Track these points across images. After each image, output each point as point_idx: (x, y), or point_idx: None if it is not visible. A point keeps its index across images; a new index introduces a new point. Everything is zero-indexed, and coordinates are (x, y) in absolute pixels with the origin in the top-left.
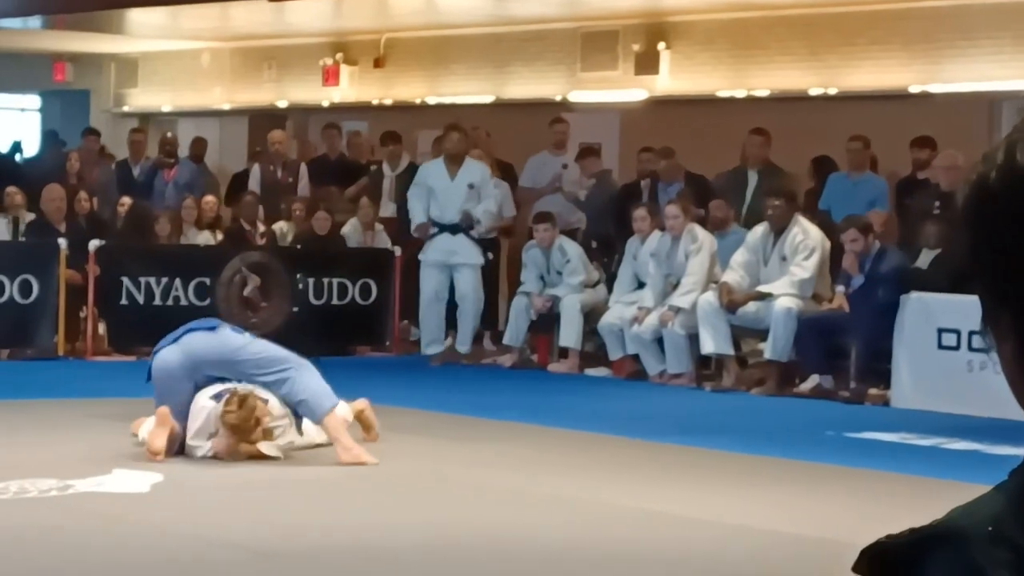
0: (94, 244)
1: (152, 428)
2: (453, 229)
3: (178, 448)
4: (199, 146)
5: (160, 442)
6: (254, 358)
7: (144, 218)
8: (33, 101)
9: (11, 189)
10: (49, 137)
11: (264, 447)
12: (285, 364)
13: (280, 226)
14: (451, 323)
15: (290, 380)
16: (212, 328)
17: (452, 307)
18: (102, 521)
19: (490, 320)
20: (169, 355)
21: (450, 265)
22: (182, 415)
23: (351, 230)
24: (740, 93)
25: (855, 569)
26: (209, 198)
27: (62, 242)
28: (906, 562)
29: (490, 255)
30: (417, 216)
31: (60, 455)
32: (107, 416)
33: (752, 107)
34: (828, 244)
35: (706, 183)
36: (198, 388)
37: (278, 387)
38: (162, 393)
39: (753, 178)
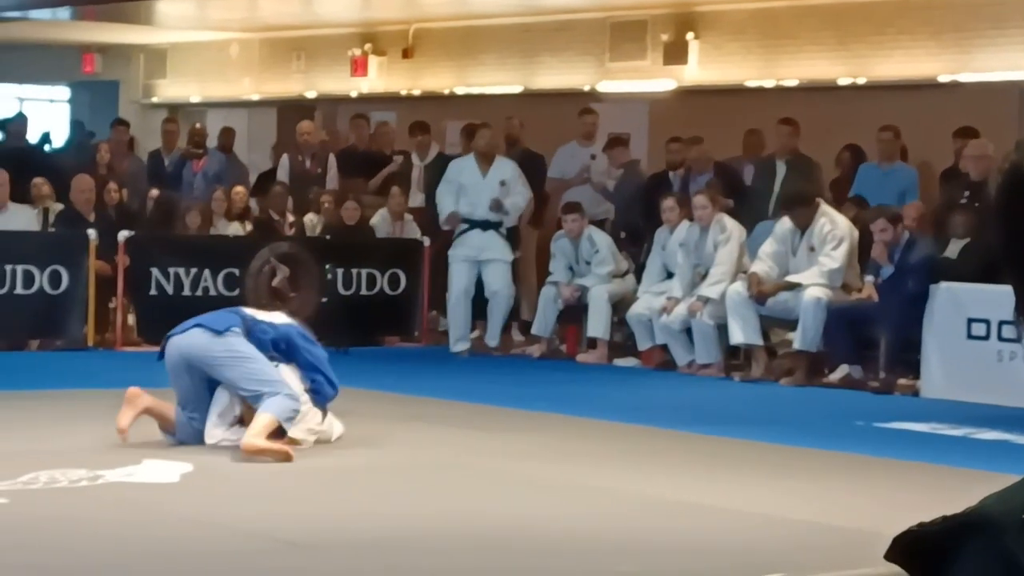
0: (123, 235)
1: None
2: (484, 225)
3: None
4: (227, 136)
5: (124, 420)
6: (236, 372)
7: (171, 209)
8: (62, 92)
9: (38, 180)
10: (76, 128)
11: (293, 432)
12: (265, 388)
13: (310, 218)
14: (478, 316)
15: (261, 398)
16: (221, 331)
17: (479, 301)
18: (132, 511)
19: (516, 310)
20: (170, 347)
21: (480, 261)
22: (190, 403)
23: (380, 220)
24: (769, 83)
25: (888, 557)
26: (238, 189)
27: (91, 233)
28: (939, 549)
29: (518, 253)
30: (446, 208)
31: (90, 445)
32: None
33: (781, 97)
34: (856, 234)
35: (735, 173)
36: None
37: (252, 402)
38: (171, 379)
39: (781, 168)
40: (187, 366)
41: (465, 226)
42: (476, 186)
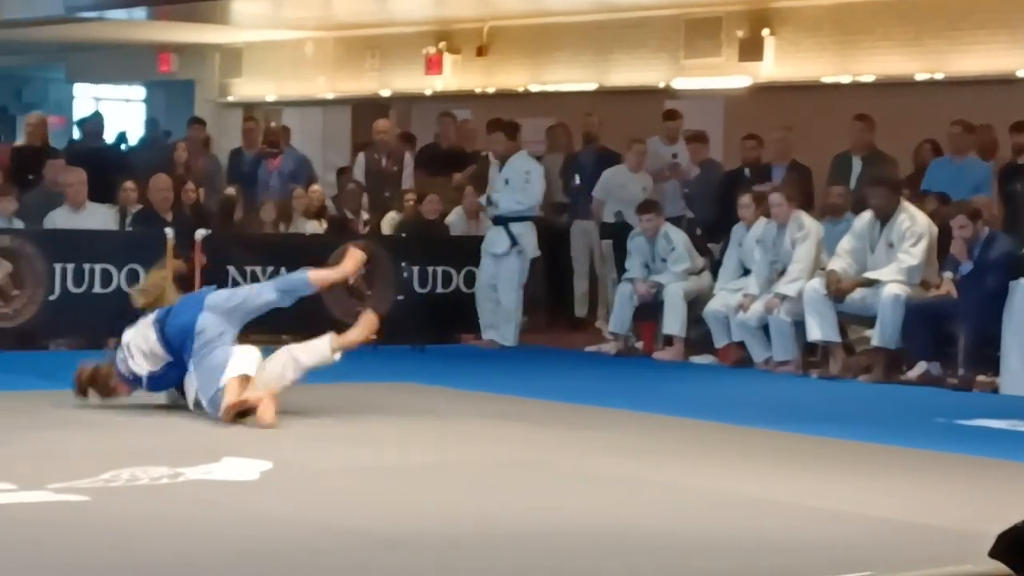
0: (200, 233)
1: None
2: (496, 220)
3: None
4: (285, 134)
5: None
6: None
7: (232, 207)
8: (138, 92)
9: (128, 184)
10: (151, 126)
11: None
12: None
13: (392, 216)
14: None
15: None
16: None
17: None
18: (212, 509)
19: (566, 306)
20: None
21: (493, 255)
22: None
23: (456, 218)
24: (845, 79)
25: (992, 554)
26: (315, 187)
27: (169, 232)
28: None
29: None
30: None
31: (171, 443)
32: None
33: (857, 93)
34: (935, 230)
35: (808, 171)
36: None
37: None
38: None
39: (857, 164)
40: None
41: (490, 223)
42: (492, 184)
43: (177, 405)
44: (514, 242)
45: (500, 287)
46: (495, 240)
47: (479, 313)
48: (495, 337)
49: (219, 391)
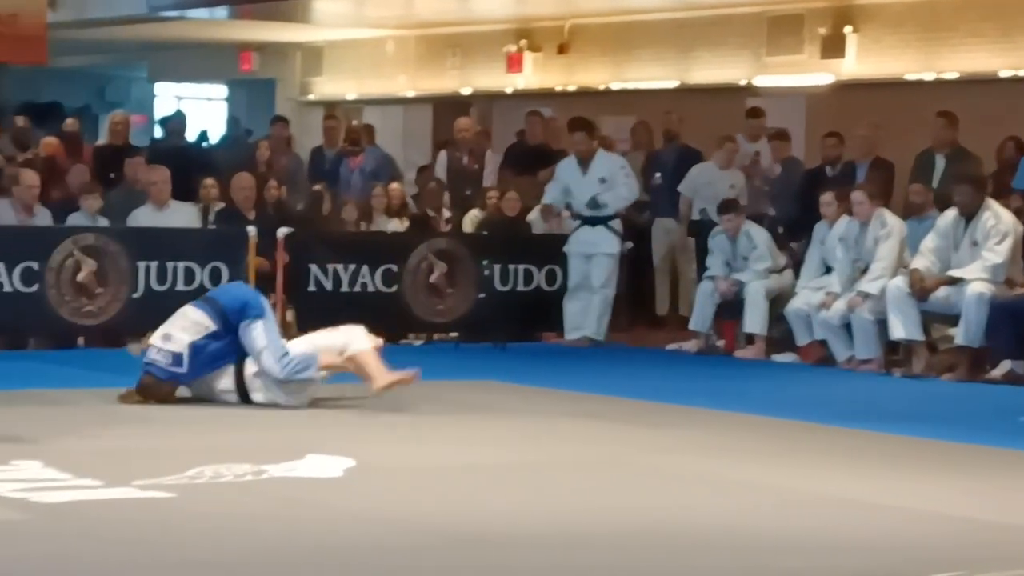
0: (282, 232)
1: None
2: (592, 221)
3: None
4: (367, 132)
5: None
6: None
7: (320, 205)
8: (220, 91)
9: (208, 182)
10: (232, 124)
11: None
12: None
13: (474, 214)
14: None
15: None
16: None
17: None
18: (294, 506)
19: (647, 304)
20: None
21: (589, 255)
22: None
23: (537, 217)
24: (928, 76)
25: None
26: (395, 185)
27: (251, 230)
28: None
29: (629, 244)
30: (545, 202)
31: (255, 440)
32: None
33: (940, 90)
34: (1020, 228)
35: (892, 168)
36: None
37: None
38: None
39: (940, 162)
40: None
41: (577, 222)
42: (578, 184)
43: (210, 399)
44: (623, 239)
45: (598, 285)
46: (598, 241)
47: (566, 314)
48: (588, 334)
49: (310, 356)
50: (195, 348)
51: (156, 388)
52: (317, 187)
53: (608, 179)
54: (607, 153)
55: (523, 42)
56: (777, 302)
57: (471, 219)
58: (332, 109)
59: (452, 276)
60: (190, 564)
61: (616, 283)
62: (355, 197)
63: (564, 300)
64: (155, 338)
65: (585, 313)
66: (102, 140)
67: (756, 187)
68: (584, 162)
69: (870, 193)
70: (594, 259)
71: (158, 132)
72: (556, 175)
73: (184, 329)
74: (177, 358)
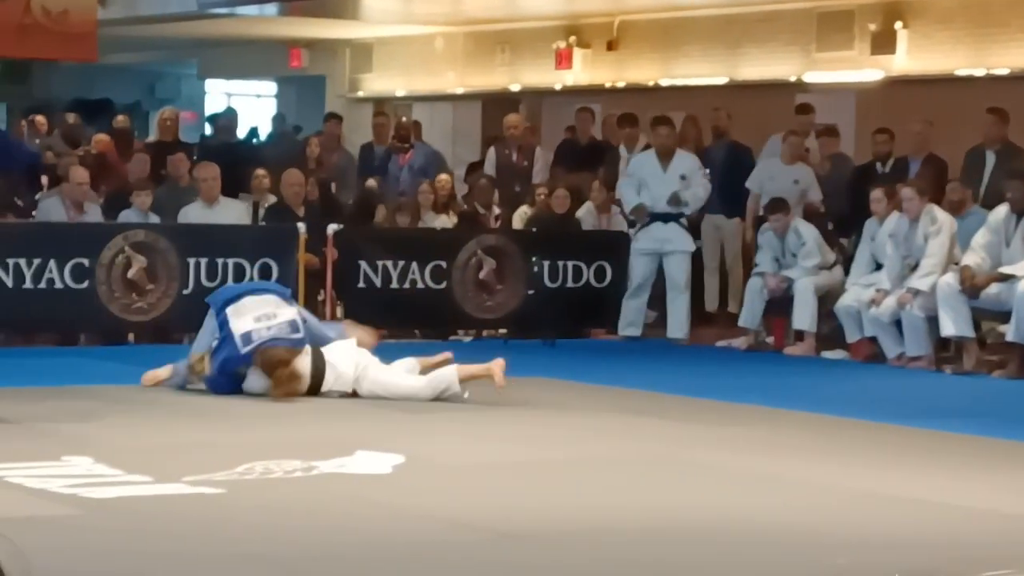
0: (332, 228)
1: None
2: (665, 218)
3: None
4: (415, 128)
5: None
6: None
7: (371, 202)
8: (269, 87)
9: (260, 172)
10: (278, 121)
11: None
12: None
13: (523, 210)
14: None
15: None
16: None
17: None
18: (344, 502)
19: (697, 300)
20: None
21: (662, 253)
22: None
23: (586, 213)
24: (979, 72)
25: None
26: (443, 177)
27: (301, 226)
28: None
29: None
30: (631, 201)
31: (304, 436)
32: (348, 398)
33: (991, 86)
34: None
35: (944, 164)
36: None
37: None
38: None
39: (991, 158)
40: None
41: (647, 219)
42: (657, 180)
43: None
44: (697, 236)
45: (675, 284)
46: (673, 238)
47: (624, 310)
48: (632, 333)
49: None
50: (303, 317)
51: (290, 355)
52: (370, 182)
53: (688, 176)
54: (685, 152)
55: (572, 38)
56: (827, 299)
57: (520, 216)
58: (381, 106)
59: (501, 273)
60: (240, 559)
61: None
62: (405, 192)
63: (625, 297)
64: (249, 323)
65: (642, 310)
66: (152, 137)
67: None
68: (664, 158)
69: (920, 189)
70: (671, 257)
71: (208, 129)
72: (630, 170)
73: (277, 306)
74: (294, 325)
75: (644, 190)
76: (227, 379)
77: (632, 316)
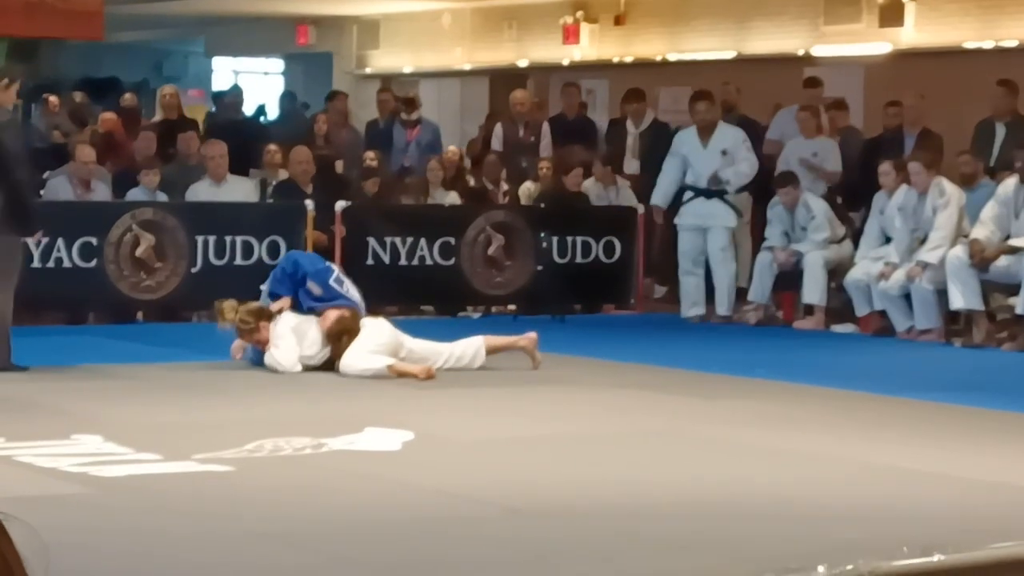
0: (340, 205)
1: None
2: (707, 194)
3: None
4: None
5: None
6: None
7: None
8: (276, 65)
9: (271, 148)
10: (286, 99)
11: None
12: None
13: (527, 186)
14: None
15: None
16: None
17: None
18: (354, 479)
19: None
20: None
21: (704, 228)
22: None
23: (592, 187)
24: (987, 44)
25: None
26: (452, 148)
27: (309, 204)
28: None
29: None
30: (661, 187)
31: (313, 413)
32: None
33: (1000, 58)
34: None
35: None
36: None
37: None
38: None
39: (1000, 130)
40: None
41: (691, 194)
42: (698, 156)
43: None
44: (739, 214)
45: (720, 259)
46: (715, 213)
47: (682, 289)
48: (697, 314)
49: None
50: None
51: (354, 322)
52: (371, 155)
53: (730, 152)
54: (728, 125)
55: (579, 13)
56: (836, 272)
57: (525, 191)
58: (388, 83)
59: (510, 248)
60: (248, 537)
61: (732, 257)
62: (411, 168)
63: (680, 274)
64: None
65: (701, 288)
66: (157, 116)
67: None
68: (705, 134)
69: (927, 162)
70: (711, 232)
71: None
72: (673, 148)
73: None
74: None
75: (689, 167)
76: (290, 288)
77: (694, 296)
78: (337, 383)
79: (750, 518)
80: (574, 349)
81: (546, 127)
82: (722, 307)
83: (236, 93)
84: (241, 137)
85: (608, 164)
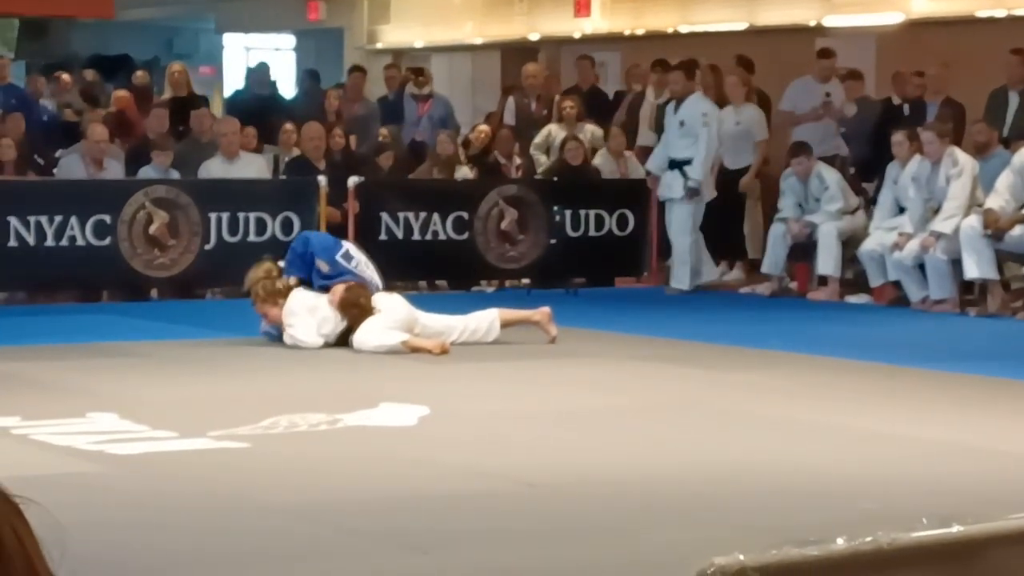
0: (353, 181)
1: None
2: (671, 165)
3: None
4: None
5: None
6: None
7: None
8: (287, 40)
9: (288, 127)
10: (307, 76)
11: None
12: None
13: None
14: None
15: None
16: None
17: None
18: (371, 454)
19: (739, 249)
20: None
21: (667, 201)
22: None
23: (603, 160)
24: (1000, 13)
25: None
26: (481, 127)
27: (321, 180)
28: None
29: (692, 185)
30: (656, 155)
31: (328, 389)
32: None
33: (1013, 27)
34: None
35: (961, 108)
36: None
37: None
38: None
39: (1014, 99)
40: None
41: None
42: (669, 128)
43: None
44: (693, 188)
45: (671, 232)
46: (673, 184)
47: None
48: (673, 284)
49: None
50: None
51: (366, 300)
52: (383, 132)
53: (686, 123)
54: (701, 99)
55: None
56: (850, 243)
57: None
58: (399, 58)
59: (523, 222)
60: (264, 512)
61: (690, 229)
62: (424, 142)
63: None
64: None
65: (701, 256)
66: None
67: (821, 128)
68: (676, 105)
69: (940, 132)
70: (668, 205)
71: (230, 84)
72: (666, 117)
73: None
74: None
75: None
76: (302, 267)
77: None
78: (352, 359)
79: (768, 490)
80: (587, 322)
81: (558, 100)
82: (679, 281)
83: (263, 70)
84: (265, 114)
85: (624, 133)
